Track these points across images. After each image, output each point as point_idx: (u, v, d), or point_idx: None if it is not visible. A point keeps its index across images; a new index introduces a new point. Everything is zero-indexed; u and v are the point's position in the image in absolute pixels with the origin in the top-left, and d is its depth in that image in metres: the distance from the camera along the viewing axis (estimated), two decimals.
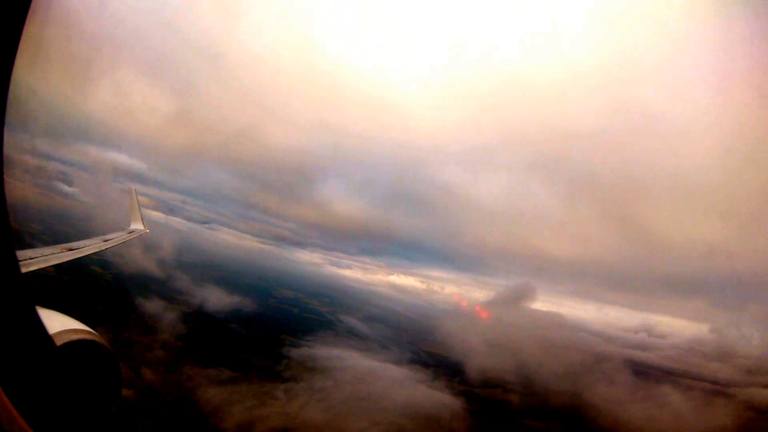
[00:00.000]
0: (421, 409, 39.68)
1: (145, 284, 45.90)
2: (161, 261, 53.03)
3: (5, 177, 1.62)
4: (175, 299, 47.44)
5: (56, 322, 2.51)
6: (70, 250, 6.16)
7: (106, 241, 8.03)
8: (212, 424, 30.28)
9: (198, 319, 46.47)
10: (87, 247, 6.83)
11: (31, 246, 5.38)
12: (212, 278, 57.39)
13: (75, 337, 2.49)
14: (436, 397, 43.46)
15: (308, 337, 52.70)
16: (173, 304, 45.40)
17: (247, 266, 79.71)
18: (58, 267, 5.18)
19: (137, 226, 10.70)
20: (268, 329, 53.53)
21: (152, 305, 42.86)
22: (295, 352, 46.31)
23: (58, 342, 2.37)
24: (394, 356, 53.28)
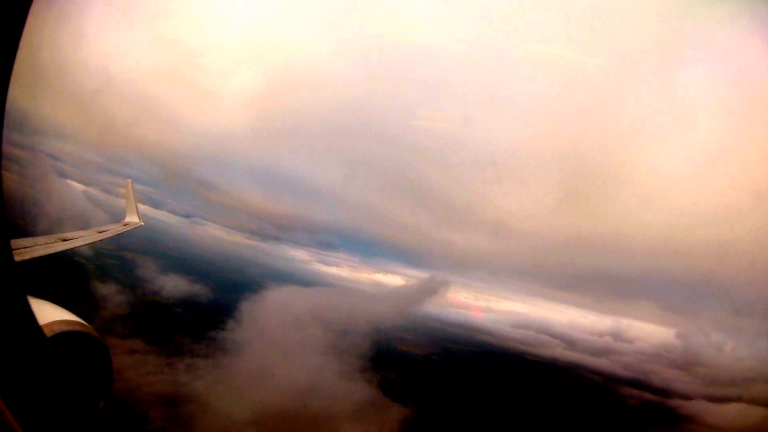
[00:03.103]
0: (318, 397, 41.69)
1: (109, 270, 53.80)
2: (130, 250, 61.27)
3: (2, 170, 1.72)
4: (132, 285, 54.87)
5: (48, 313, 2.43)
6: (64, 240, 6.13)
7: (100, 232, 8.13)
8: None
9: (146, 303, 53.38)
10: (81, 238, 6.88)
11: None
12: (177, 268, 64.56)
13: (66, 328, 2.42)
14: (347, 388, 44.95)
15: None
16: (127, 289, 52.67)
17: (231, 261, 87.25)
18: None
19: (132, 218, 10.73)
20: (218, 316, 59.05)
21: (106, 288, 50.35)
22: (222, 335, 51.17)
23: (49, 333, 2.30)
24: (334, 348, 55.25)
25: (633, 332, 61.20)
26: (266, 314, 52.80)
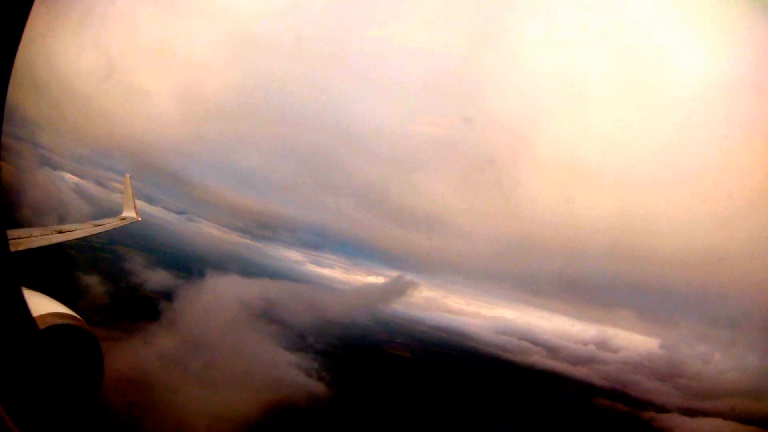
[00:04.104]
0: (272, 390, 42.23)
1: (96, 262, 55.84)
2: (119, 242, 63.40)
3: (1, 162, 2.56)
4: (117, 277, 56.76)
5: (42, 305, 2.44)
6: (60, 232, 6.16)
7: (96, 226, 8.09)
8: None
9: (129, 296, 55.21)
10: (77, 231, 6.84)
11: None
12: (164, 264, 66.42)
13: (59, 321, 2.42)
14: (301, 384, 45.28)
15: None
16: (111, 281, 54.57)
17: (221, 259, 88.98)
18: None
19: (129, 213, 10.65)
20: (201, 309, 60.32)
21: (89, 279, 52.34)
22: (203, 327, 52.42)
23: (42, 325, 2.30)
24: (298, 344, 55.83)
25: (619, 341, 59.48)
26: (232, 305, 54.15)
